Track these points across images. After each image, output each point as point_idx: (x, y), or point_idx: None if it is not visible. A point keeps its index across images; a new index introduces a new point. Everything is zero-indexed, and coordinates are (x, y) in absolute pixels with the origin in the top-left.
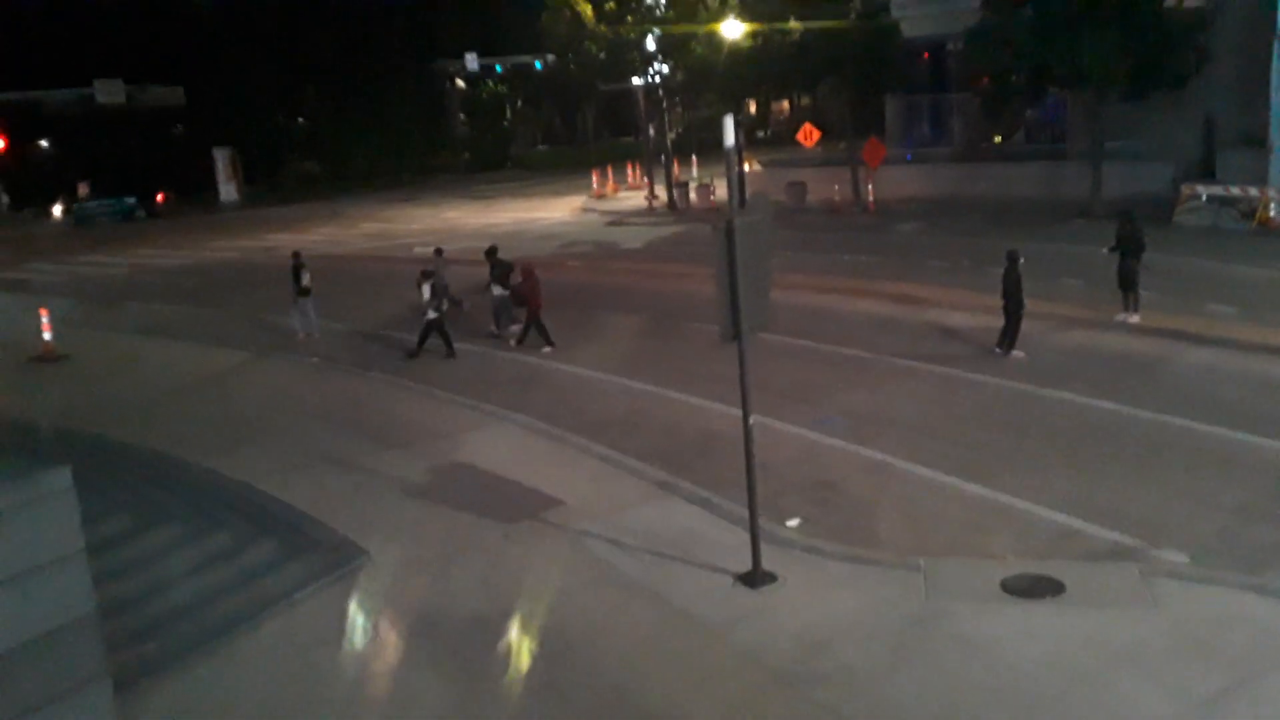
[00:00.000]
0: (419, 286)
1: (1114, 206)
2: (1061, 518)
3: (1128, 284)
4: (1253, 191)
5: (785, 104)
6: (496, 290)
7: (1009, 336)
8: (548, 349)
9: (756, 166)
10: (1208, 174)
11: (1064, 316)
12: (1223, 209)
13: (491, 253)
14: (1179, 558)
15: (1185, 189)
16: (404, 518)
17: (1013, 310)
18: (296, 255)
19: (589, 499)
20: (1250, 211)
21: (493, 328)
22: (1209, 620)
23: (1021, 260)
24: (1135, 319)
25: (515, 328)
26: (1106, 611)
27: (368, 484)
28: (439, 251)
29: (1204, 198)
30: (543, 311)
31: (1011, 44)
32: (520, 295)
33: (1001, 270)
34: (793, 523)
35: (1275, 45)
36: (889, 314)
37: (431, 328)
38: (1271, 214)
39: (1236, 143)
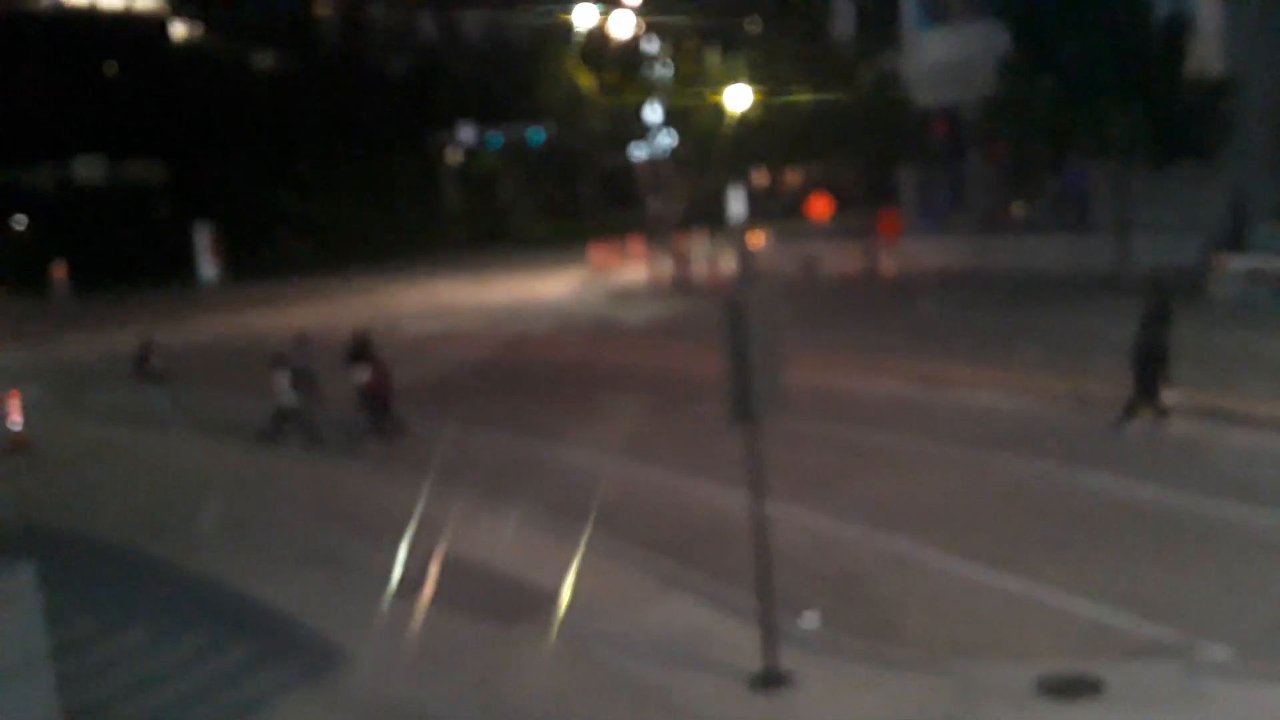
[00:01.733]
0: (272, 374)
1: (1142, 279)
2: (1100, 611)
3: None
4: None
5: (796, 174)
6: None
7: (1147, 397)
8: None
9: (766, 239)
10: (1236, 246)
11: (1093, 395)
12: (1255, 283)
13: (358, 340)
14: (1225, 653)
15: (1217, 261)
16: (387, 616)
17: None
18: (145, 339)
19: (591, 594)
20: None
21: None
22: (1253, 715)
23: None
24: (1168, 400)
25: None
26: (1150, 712)
27: (348, 579)
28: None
29: (1240, 271)
30: (519, 394)
31: (1031, 112)
32: (368, 393)
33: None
34: (810, 619)
35: None
36: (911, 395)
37: (285, 418)
38: None
39: (1269, 215)
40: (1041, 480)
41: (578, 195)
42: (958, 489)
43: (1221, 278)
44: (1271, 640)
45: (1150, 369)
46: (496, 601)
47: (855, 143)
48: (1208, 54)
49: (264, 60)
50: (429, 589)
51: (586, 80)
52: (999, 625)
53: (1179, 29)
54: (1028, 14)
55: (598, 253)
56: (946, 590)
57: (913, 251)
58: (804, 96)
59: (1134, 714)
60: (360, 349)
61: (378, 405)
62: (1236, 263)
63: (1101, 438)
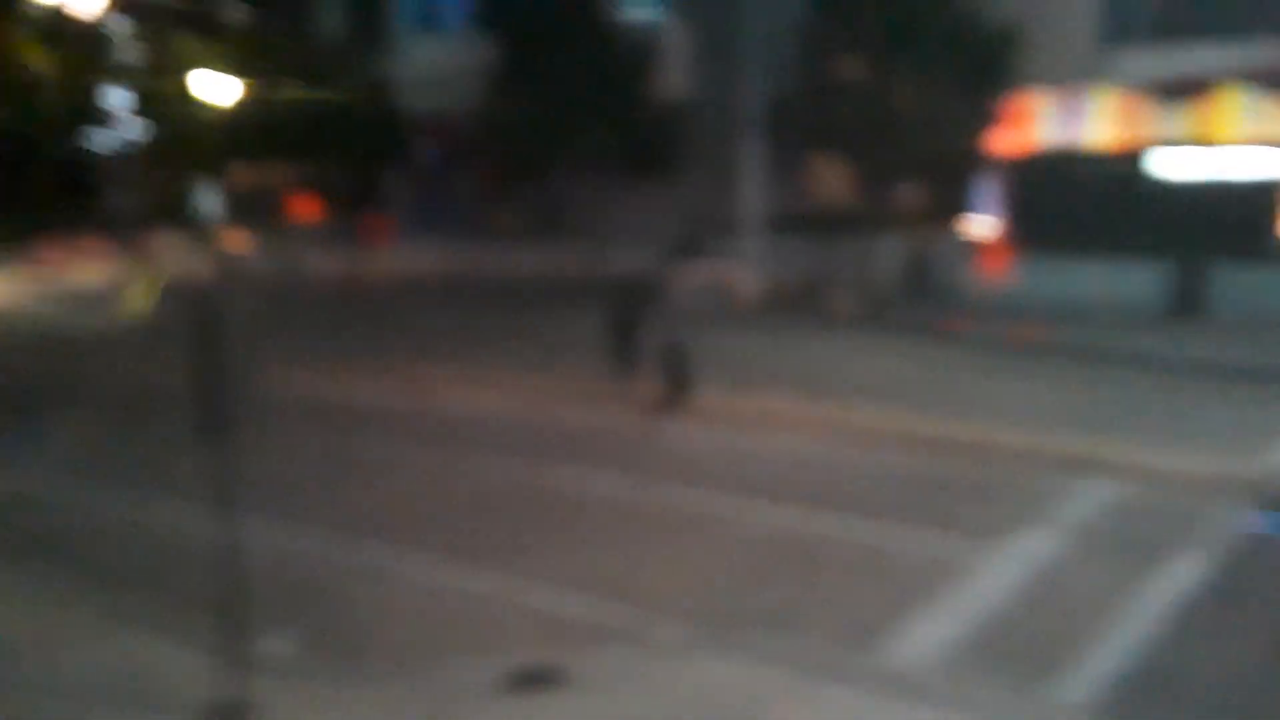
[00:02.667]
0: None
1: (613, 286)
2: (567, 601)
3: (628, 356)
4: (735, 272)
5: (283, 175)
6: None
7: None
8: None
9: (247, 241)
10: (694, 257)
11: (571, 394)
12: (708, 289)
13: None
14: (678, 631)
15: (674, 270)
16: None
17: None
18: None
19: (13, 638)
20: (731, 291)
21: None
22: (706, 690)
23: None
24: (645, 390)
25: None
26: (610, 694)
27: None
28: None
29: (694, 278)
30: None
31: (514, 124)
32: None
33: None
34: (281, 641)
35: (746, 139)
36: (396, 400)
37: None
38: (749, 291)
39: (718, 228)
40: (522, 479)
41: (26, 185)
42: (439, 494)
43: (679, 285)
44: (708, 615)
45: (627, 347)
46: None
47: (344, 145)
48: (672, 79)
49: None
50: None
51: (39, 58)
52: (474, 625)
53: (646, 55)
54: (511, 27)
55: (48, 250)
56: (424, 597)
57: (403, 257)
58: (288, 94)
59: (595, 698)
60: None
61: None
62: (690, 272)
63: (580, 435)
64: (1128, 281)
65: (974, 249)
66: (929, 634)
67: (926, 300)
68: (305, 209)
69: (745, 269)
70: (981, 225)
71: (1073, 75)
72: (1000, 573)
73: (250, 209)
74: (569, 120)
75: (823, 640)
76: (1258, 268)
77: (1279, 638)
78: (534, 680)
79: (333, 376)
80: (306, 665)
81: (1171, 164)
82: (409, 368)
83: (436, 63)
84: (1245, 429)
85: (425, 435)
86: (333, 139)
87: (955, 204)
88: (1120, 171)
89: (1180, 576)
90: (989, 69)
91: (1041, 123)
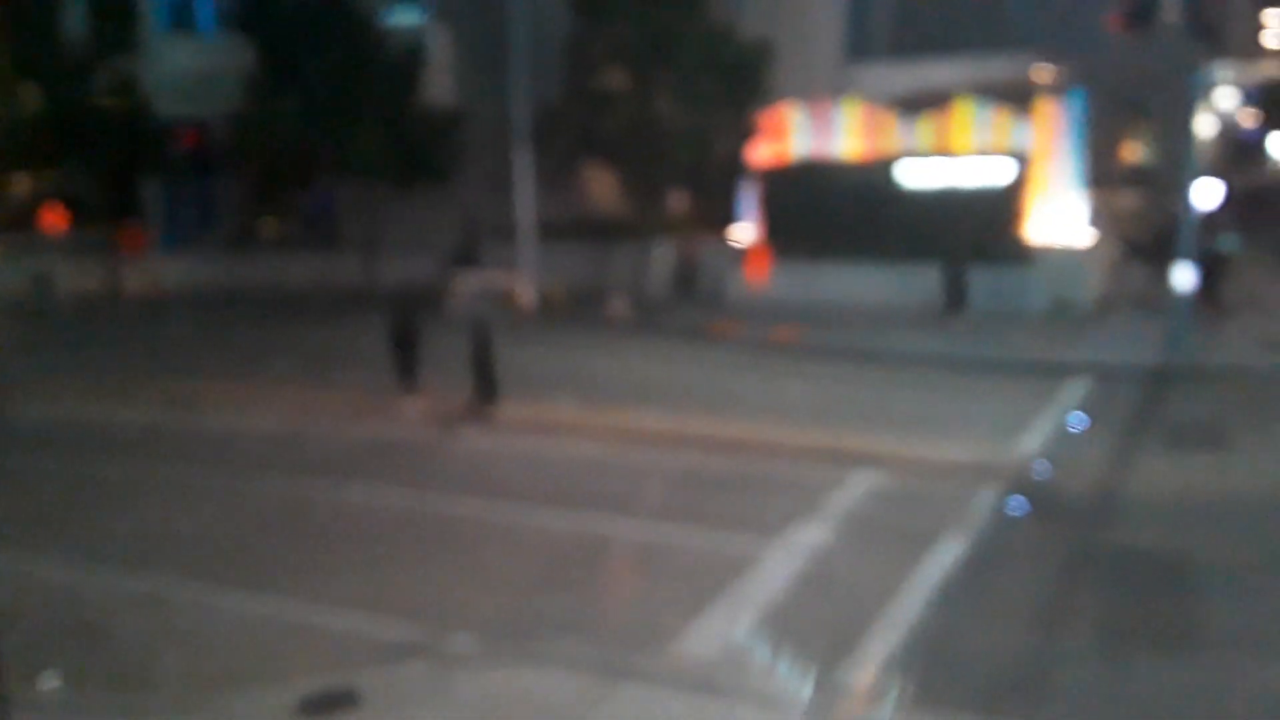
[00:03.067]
0: None
1: (388, 296)
2: (356, 621)
3: (407, 372)
4: (510, 280)
5: (26, 182)
6: None
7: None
8: None
9: None
10: (469, 264)
11: (349, 408)
12: (484, 297)
13: None
14: (468, 643)
15: (454, 278)
16: None
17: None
18: None
19: None
20: (509, 298)
21: None
22: (502, 700)
23: None
24: (417, 405)
25: None
26: (405, 712)
27: None
28: None
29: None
30: None
31: (276, 130)
32: None
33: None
34: (48, 679)
35: (519, 147)
36: (161, 419)
37: None
38: (527, 299)
39: (494, 235)
40: (301, 498)
41: None
42: (213, 516)
43: (456, 294)
44: (511, 625)
45: (407, 357)
46: None
47: (92, 151)
48: (442, 85)
49: None
50: None
51: None
52: (261, 652)
53: (413, 61)
54: (270, 30)
55: None
56: (204, 624)
57: (161, 269)
58: (26, 97)
59: (389, 717)
60: None
61: None
62: (468, 280)
63: (364, 449)
64: (881, 284)
65: (739, 255)
66: (718, 628)
67: (696, 305)
68: (52, 219)
69: (522, 276)
70: (745, 232)
71: (822, 90)
72: (782, 564)
73: None
74: (334, 125)
75: (618, 641)
76: (999, 268)
77: (1034, 610)
78: (326, 704)
79: (89, 397)
80: (79, 703)
81: (915, 172)
82: (174, 386)
83: (193, 65)
84: (998, 419)
85: (197, 456)
86: (80, 144)
87: (721, 211)
88: (867, 180)
89: (945, 558)
90: (744, 82)
91: (795, 134)
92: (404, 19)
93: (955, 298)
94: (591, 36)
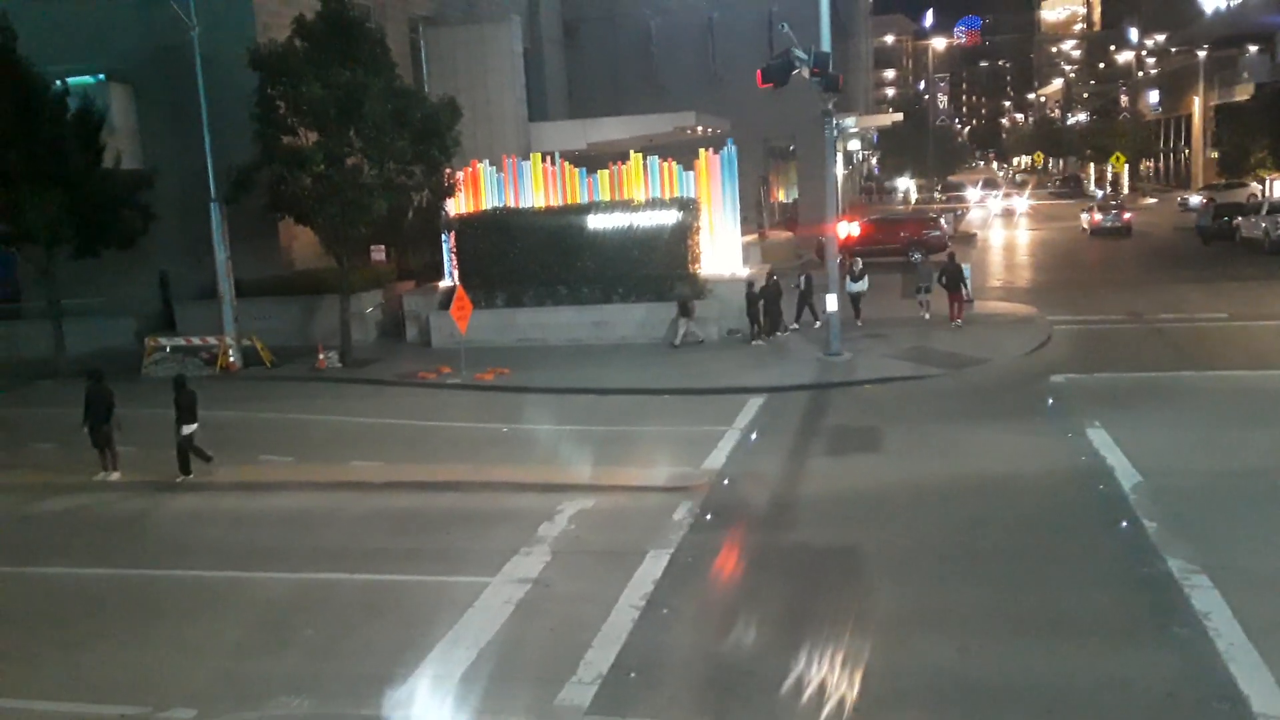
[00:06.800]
0: None
1: (80, 365)
2: (63, 706)
3: (102, 443)
4: (212, 340)
5: None
6: None
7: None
8: None
9: None
10: (169, 326)
11: (42, 483)
12: (188, 359)
13: None
14: (189, 714)
15: (150, 342)
16: None
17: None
18: None
19: None
20: (213, 359)
21: None
22: None
23: None
24: (115, 476)
25: None
26: None
27: None
28: None
29: (168, 349)
30: None
31: None
32: None
33: None
34: None
35: (213, 207)
36: None
37: None
38: (231, 359)
39: (193, 296)
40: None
41: None
42: None
43: (154, 358)
44: (228, 689)
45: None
46: None
47: None
48: (127, 148)
49: None
50: None
51: None
52: None
53: (88, 121)
54: None
55: None
56: None
57: None
58: None
59: None
60: None
61: None
62: (166, 342)
63: (53, 523)
64: (573, 321)
65: (442, 302)
66: (441, 669)
67: (404, 354)
68: None
69: (222, 335)
70: (446, 280)
71: (508, 148)
72: (501, 597)
73: None
74: (8, 190)
75: (342, 691)
76: (668, 301)
77: (726, 608)
78: None
79: None
80: None
81: (597, 219)
82: None
83: None
84: (684, 442)
85: None
86: None
87: (422, 263)
88: (554, 225)
89: (649, 571)
90: (433, 140)
91: (487, 189)
92: (78, 79)
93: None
94: (277, 95)
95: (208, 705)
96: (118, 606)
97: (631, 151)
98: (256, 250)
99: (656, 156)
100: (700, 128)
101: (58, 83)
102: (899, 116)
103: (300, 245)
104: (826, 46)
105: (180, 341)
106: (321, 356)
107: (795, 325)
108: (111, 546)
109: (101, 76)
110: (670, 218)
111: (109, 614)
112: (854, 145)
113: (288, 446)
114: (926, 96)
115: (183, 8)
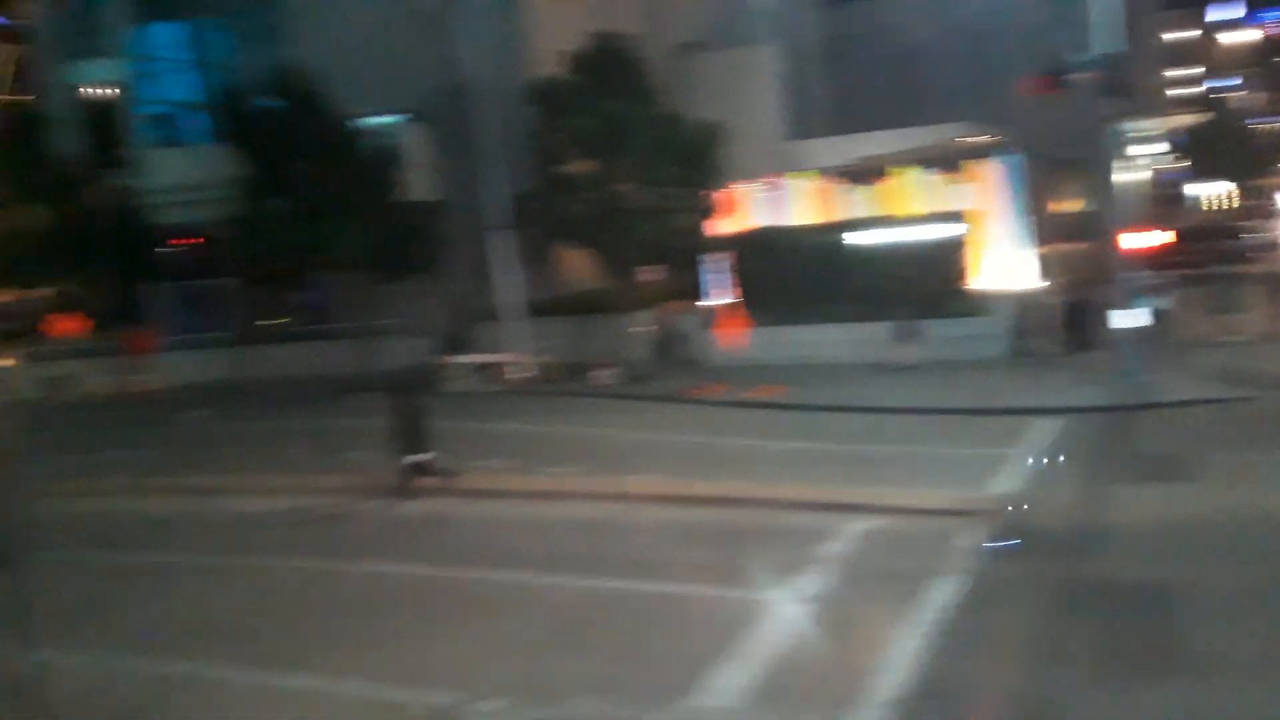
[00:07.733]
0: None
1: (385, 380)
2: (386, 691)
3: (410, 451)
4: (506, 357)
5: (42, 291)
6: None
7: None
8: None
9: (11, 361)
10: (461, 346)
11: (360, 487)
12: (478, 375)
13: None
14: (498, 705)
15: (444, 359)
16: None
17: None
18: None
19: None
20: (502, 375)
21: None
22: None
23: None
24: (429, 481)
25: None
26: None
27: None
28: None
29: (462, 365)
30: None
31: (267, 231)
32: None
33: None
34: None
35: (491, 234)
36: (183, 508)
37: None
38: (521, 374)
39: (482, 317)
40: (322, 575)
41: None
42: (240, 599)
43: (451, 373)
44: (530, 688)
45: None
46: None
47: (96, 260)
48: (420, 181)
49: None
50: None
51: None
52: None
53: (388, 159)
54: (252, 140)
55: None
56: (237, 704)
57: (170, 368)
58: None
59: None
60: None
61: None
62: (461, 360)
63: (369, 525)
64: (844, 340)
65: (712, 321)
66: (730, 682)
67: (677, 371)
68: (66, 325)
69: (510, 353)
70: (715, 299)
71: (768, 167)
72: (785, 614)
73: (11, 327)
74: (319, 223)
75: (637, 696)
76: (946, 318)
77: (1026, 641)
78: None
79: (114, 491)
80: None
81: (867, 235)
82: (191, 476)
83: (183, 175)
84: (969, 464)
85: (220, 542)
86: (86, 255)
87: (688, 283)
88: (823, 243)
89: (937, 597)
90: (697, 163)
91: (752, 208)
92: (380, 120)
93: (908, 350)
94: (553, 128)
95: (519, 698)
96: (430, 602)
97: (896, 165)
98: (535, 273)
99: (925, 169)
100: (973, 137)
101: (359, 123)
102: (1201, 117)
103: (574, 267)
104: (1109, 48)
105: (472, 359)
106: (600, 374)
107: (1084, 343)
108: (419, 547)
109: (402, 117)
110: (940, 232)
111: (424, 608)
112: (1151, 149)
113: (573, 458)
114: (1239, 93)
115: (464, 47)
